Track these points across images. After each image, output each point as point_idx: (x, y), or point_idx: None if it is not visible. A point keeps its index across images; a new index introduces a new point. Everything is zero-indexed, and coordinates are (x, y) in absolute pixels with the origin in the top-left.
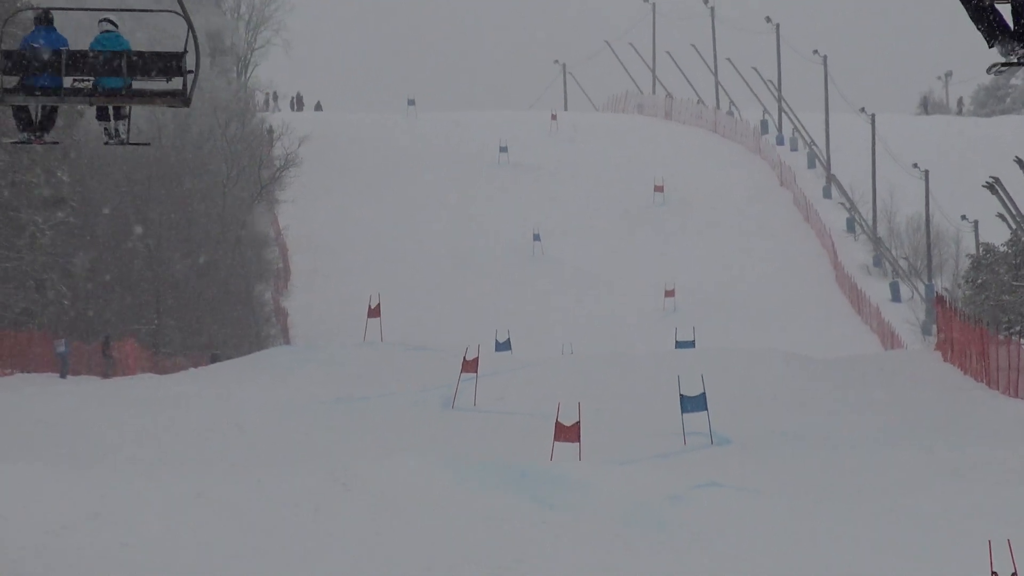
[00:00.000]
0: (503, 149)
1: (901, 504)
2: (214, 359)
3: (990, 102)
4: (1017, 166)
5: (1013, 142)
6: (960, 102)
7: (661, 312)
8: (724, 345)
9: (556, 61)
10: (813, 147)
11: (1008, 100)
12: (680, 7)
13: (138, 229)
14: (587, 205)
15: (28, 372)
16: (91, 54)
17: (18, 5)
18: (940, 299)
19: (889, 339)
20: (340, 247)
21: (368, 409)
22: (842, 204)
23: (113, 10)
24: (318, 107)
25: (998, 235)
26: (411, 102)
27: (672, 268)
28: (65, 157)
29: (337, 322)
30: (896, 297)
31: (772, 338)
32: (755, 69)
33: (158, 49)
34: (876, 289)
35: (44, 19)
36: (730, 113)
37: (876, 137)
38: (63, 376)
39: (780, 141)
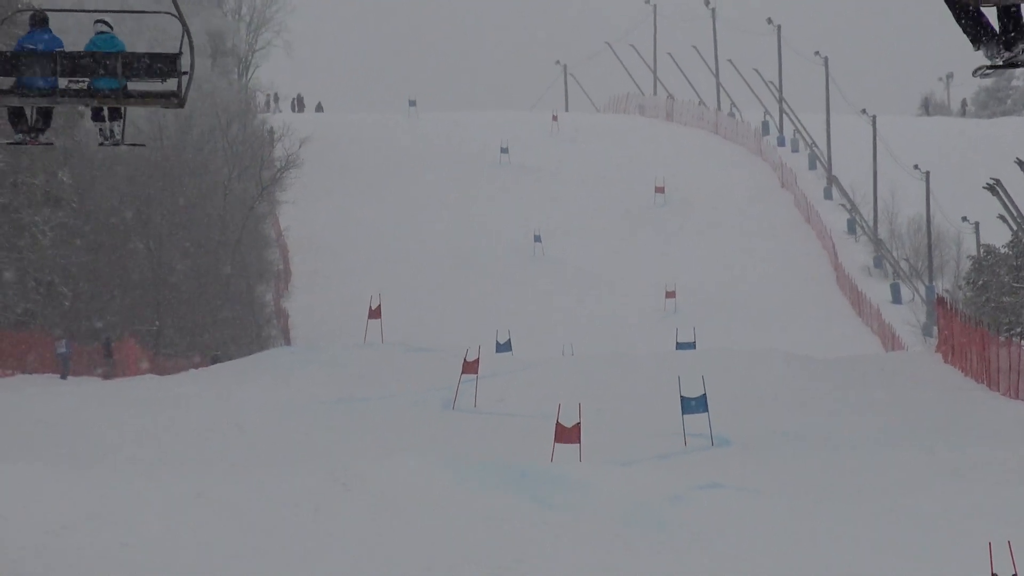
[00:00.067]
0: (504, 150)
1: (901, 504)
2: (215, 360)
3: (991, 103)
4: (1018, 167)
5: (1014, 143)
6: (964, 103)
7: (662, 313)
8: (725, 346)
9: (557, 62)
10: (814, 148)
11: (1009, 101)
12: (681, 8)
13: (139, 230)
14: (588, 206)
15: (29, 373)
16: (86, 55)
17: (19, 6)
18: (941, 300)
19: (890, 340)
20: (341, 248)
21: (368, 410)
22: (843, 205)
23: (109, 11)
24: (319, 108)
25: (999, 236)
26: (412, 103)
27: (673, 269)
28: (66, 158)
29: (338, 323)
30: (897, 298)
31: (773, 339)
32: (756, 70)
33: (159, 51)
34: (877, 290)
35: (39, 20)
36: (731, 114)
37: (877, 138)
38: (64, 377)
39: (781, 142)
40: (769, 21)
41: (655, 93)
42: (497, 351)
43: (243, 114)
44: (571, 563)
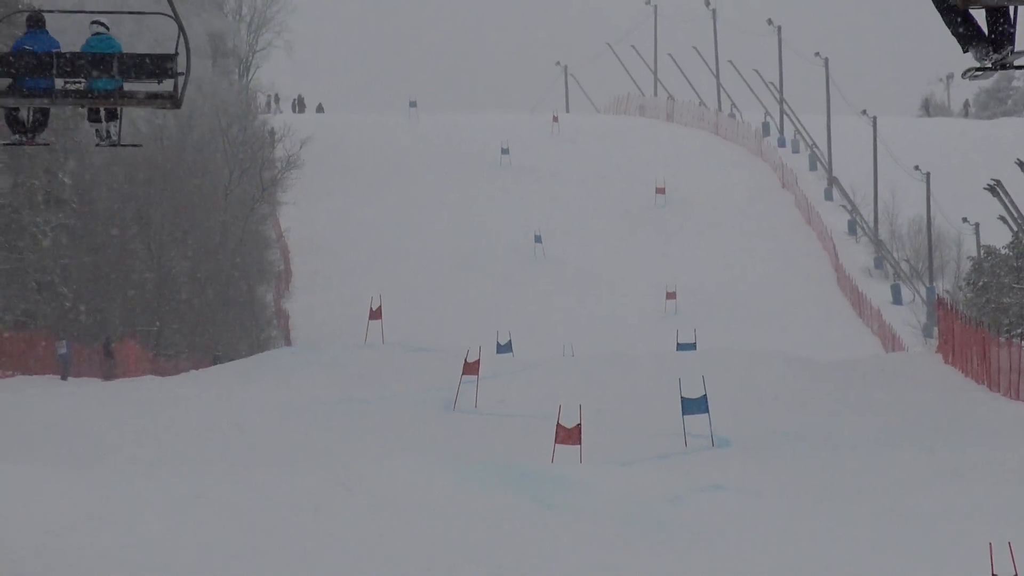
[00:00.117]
0: (505, 151)
1: (901, 504)
2: (215, 361)
3: (991, 104)
4: (1018, 168)
5: (1015, 144)
6: (967, 104)
7: (662, 314)
8: (725, 346)
9: (558, 63)
10: (815, 149)
11: (1010, 102)
12: (682, 9)
13: (139, 231)
14: (588, 206)
15: (29, 374)
16: (83, 56)
17: (19, 6)
18: (941, 301)
19: (890, 341)
20: (341, 248)
21: (369, 411)
22: (843, 206)
23: (105, 12)
24: (320, 109)
25: (999, 237)
26: (413, 104)
27: (673, 270)
28: (67, 159)
29: (338, 323)
30: (897, 299)
31: (773, 340)
32: (757, 71)
33: (156, 52)
34: (877, 291)
35: (36, 21)
36: (732, 115)
37: (878, 139)
38: (64, 378)
39: (782, 143)
40: (769, 22)
41: (655, 94)
42: (498, 352)
43: (244, 115)
44: (571, 563)
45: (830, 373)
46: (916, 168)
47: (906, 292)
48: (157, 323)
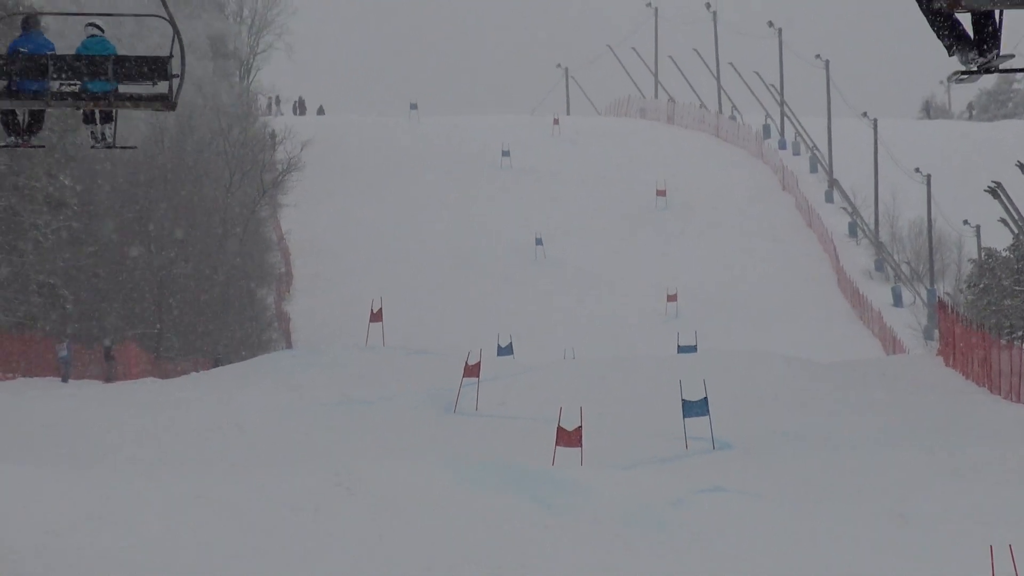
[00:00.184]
0: (505, 153)
1: (901, 505)
2: (216, 363)
3: (992, 106)
4: (1019, 170)
5: (1015, 146)
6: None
7: (663, 316)
8: (726, 349)
9: (558, 65)
10: (815, 151)
11: (1010, 104)
12: (682, 11)
13: (140, 233)
14: (589, 208)
15: (30, 376)
16: (78, 58)
17: (20, 8)
18: (942, 304)
19: (891, 344)
20: (342, 250)
21: (369, 412)
22: (844, 208)
23: (100, 14)
24: (320, 111)
25: (1000, 240)
26: (413, 106)
27: (674, 272)
28: (68, 161)
29: (339, 325)
30: (898, 302)
31: (774, 342)
32: (757, 73)
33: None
34: (878, 293)
35: (31, 23)
36: (732, 117)
37: (878, 141)
38: (65, 380)
39: (782, 145)
40: (770, 24)
41: (656, 96)
42: (498, 354)
43: (244, 117)
44: (572, 564)
45: (830, 374)
46: (917, 170)
47: (907, 294)
48: (158, 325)
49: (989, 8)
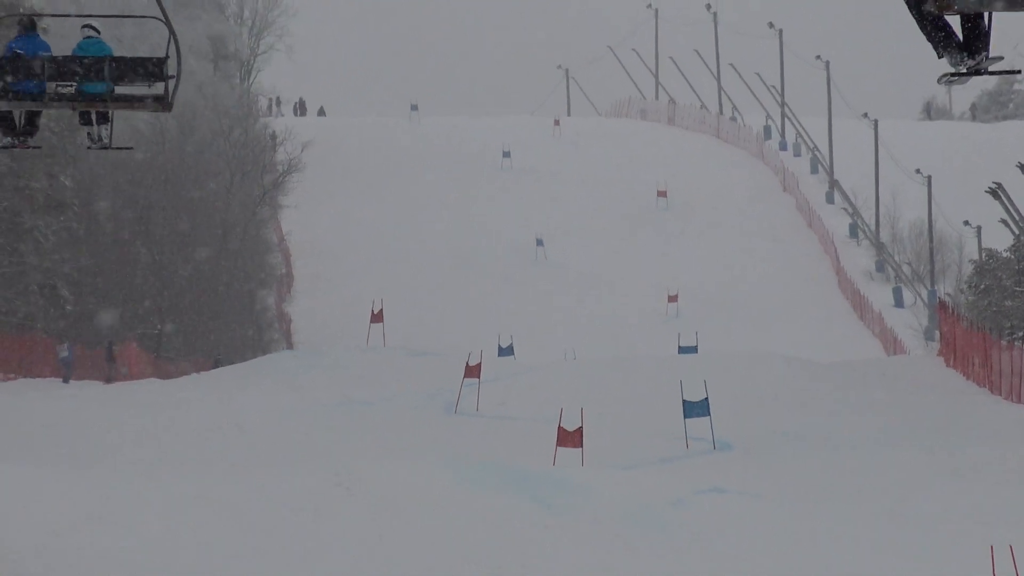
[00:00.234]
0: (506, 154)
1: (902, 505)
2: (217, 364)
3: (993, 107)
4: (1020, 171)
5: (1016, 147)
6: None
7: (664, 316)
8: (727, 349)
9: (559, 66)
10: (816, 152)
11: (1011, 105)
12: (683, 12)
13: (141, 234)
14: (589, 209)
15: (31, 377)
16: (74, 60)
17: (20, 9)
18: (943, 304)
19: (892, 344)
20: (343, 251)
21: (370, 413)
22: (845, 209)
23: (97, 16)
24: (321, 112)
25: (1001, 240)
26: (414, 107)
27: (675, 273)
28: (69, 162)
29: (340, 326)
30: (899, 302)
31: (774, 343)
32: (758, 74)
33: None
34: (879, 294)
35: (27, 24)
36: (733, 118)
37: (879, 142)
38: (66, 381)
39: (783, 146)
40: (771, 25)
41: (657, 97)
42: (499, 355)
43: (245, 118)
44: (572, 564)
45: (831, 375)
46: (917, 171)
47: (907, 295)
48: (159, 326)
49: (978, 10)
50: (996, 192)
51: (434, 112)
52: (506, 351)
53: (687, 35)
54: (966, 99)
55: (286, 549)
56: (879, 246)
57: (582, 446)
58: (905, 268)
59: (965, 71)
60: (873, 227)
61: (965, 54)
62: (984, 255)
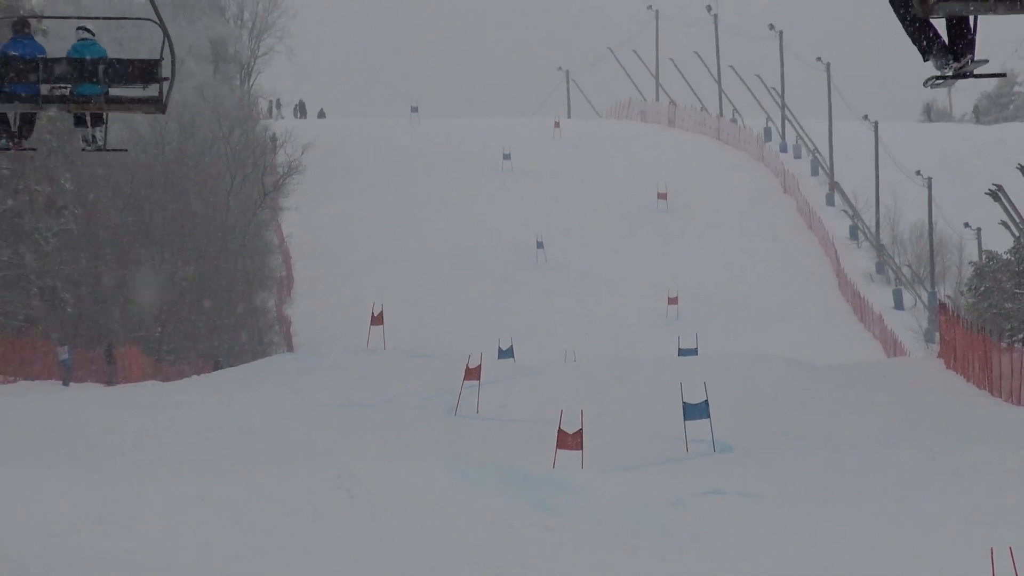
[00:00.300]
0: (507, 156)
1: (902, 505)
2: (217, 366)
3: (993, 109)
4: (1020, 173)
5: (1016, 149)
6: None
7: (664, 317)
8: (727, 352)
9: (559, 68)
10: (816, 154)
11: (1011, 107)
12: (683, 14)
13: (141, 237)
14: (589, 209)
15: (31, 379)
16: (68, 62)
17: (20, 11)
18: (943, 306)
19: (892, 346)
20: (343, 253)
21: (371, 415)
22: (845, 211)
23: (93, 18)
24: (321, 114)
25: (1001, 242)
26: (415, 109)
27: (675, 274)
28: (69, 164)
29: (340, 328)
30: (899, 304)
31: (774, 344)
32: (758, 76)
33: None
34: (879, 296)
35: (21, 27)
36: (733, 120)
37: (879, 144)
38: (66, 383)
39: (783, 148)
40: (771, 27)
41: (657, 99)
42: (499, 357)
43: (245, 120)
44: (572, 565)
45: (831, 376)
46: (918, 173)
47: (908, 297)
48: (159, 329)
49: (964, 14)
50: (996, 194)
51: (434, 113)
52: (506, 353)
53: (688, 37)
54: (967, 101)
55: (286, 549)
56: (879, 248)
57: (582, 448)
58: (905, 270)
59: (951, 74)
60: (873, 229)
61: (951, 57)
62: (984, 257)
